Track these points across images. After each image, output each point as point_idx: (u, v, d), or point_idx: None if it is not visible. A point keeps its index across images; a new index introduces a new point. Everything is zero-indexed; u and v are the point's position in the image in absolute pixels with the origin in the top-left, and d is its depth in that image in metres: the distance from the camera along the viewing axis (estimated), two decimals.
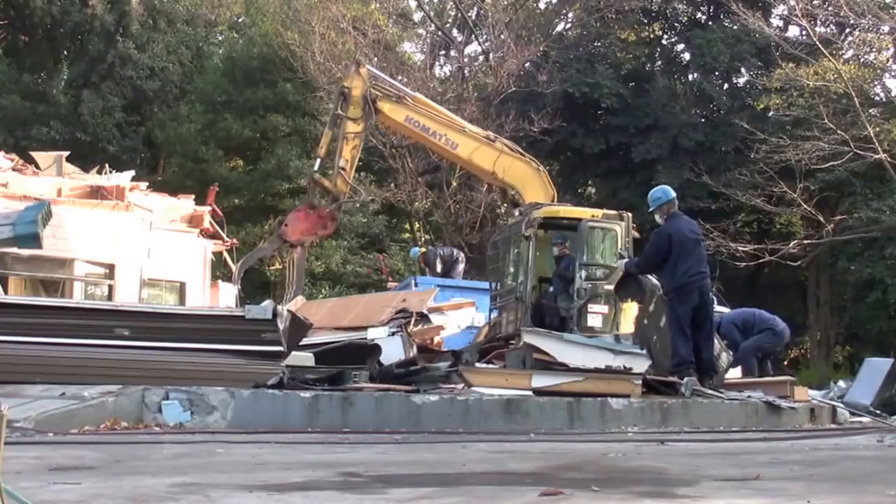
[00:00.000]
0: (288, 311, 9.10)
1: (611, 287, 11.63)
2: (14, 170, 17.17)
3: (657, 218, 10.58)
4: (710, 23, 31.27)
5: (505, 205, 16.96)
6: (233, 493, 4.09)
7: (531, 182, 14.02)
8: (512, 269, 13.45)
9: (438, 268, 18.72)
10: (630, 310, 11.80)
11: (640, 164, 28.60)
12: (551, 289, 13.01)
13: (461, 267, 19.00)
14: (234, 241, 20.23)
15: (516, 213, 13.59)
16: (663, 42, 33.63)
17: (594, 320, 12.30)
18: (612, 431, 8.26)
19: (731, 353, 11.29)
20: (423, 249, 20.43)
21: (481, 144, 14.03)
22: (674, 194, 10.66)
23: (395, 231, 32.05)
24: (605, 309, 12.38)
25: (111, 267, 16.76)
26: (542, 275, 13.09)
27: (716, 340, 10.73)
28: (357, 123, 13.44)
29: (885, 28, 25.64)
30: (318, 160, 13.87)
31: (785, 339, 13.24)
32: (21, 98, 30.59)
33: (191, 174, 29.10)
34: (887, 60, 28.24)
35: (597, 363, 9.47)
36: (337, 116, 13.56)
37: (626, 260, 11.14)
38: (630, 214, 13.15)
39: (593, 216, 13.03)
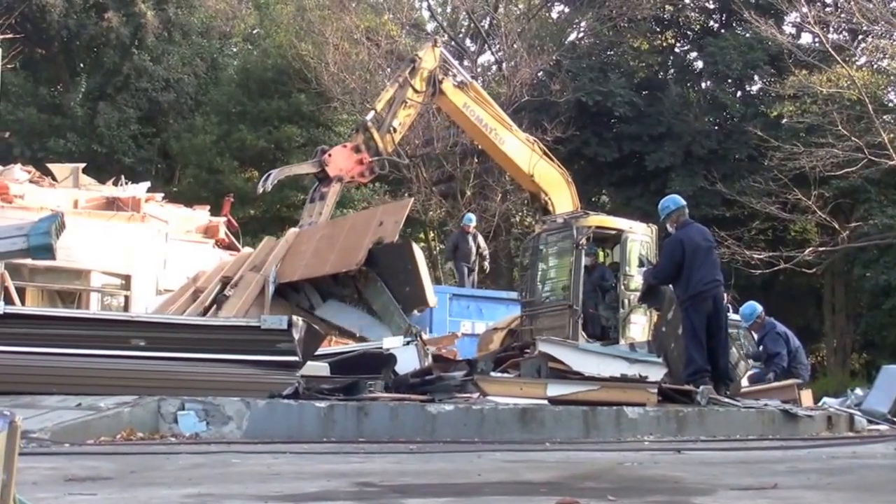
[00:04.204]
0: (303, 321, 9.12)
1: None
2: (31, 182, 17.30)
3: (668, 227, 10.57)
4: (722, 30, 31.25)
5: (533, 211, 17.02)
6: (247, 503, 4.10)
7: (562, 191, 14.26)
8: (541, 277, 13.53)
9: (470, 249, 18.38)
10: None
11: (654, 173, 28.56)
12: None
13: (474, 275, 18.94)
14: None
15: (559, 220, 13.70)
16: (676, 50, 33.63)
17: (636, 330, 12.43)
18: (627, 440, 8.21)
19: (749, 361, 11.26)
20: (476, 225, 19.90)
21: (525, 146, 14.30)
22: (683, 202, 10.60)
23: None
24: (645, 319, 12.52)
25: (127, 278, 16.84)
26: (566, 284, 13.16)
27: (734, 349, 10.70)
28: (418, 94, 13.74)
29: None
30: (373, 112, 14.02)
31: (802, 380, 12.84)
32: (38, 110, 30.79)
33: (206, 185, 29.21)
34: None
35: (612, 372, 9.44)
36: (401, 79, 13.84)
37: (645, 268, 11.19)
38: (655, 227, 13.25)
39: (631, 228, 13.21)
